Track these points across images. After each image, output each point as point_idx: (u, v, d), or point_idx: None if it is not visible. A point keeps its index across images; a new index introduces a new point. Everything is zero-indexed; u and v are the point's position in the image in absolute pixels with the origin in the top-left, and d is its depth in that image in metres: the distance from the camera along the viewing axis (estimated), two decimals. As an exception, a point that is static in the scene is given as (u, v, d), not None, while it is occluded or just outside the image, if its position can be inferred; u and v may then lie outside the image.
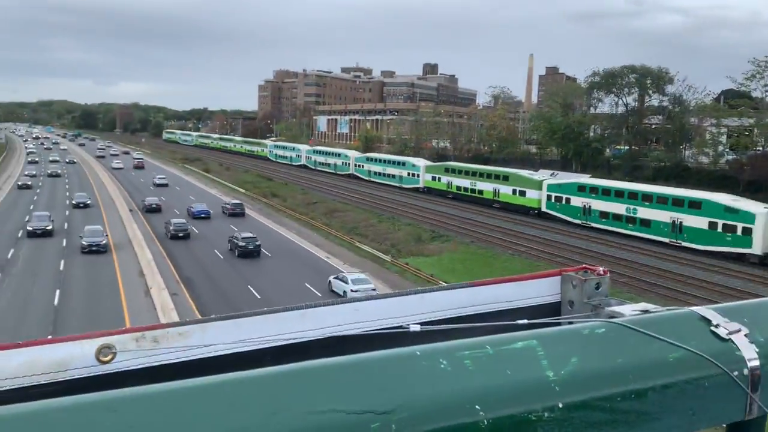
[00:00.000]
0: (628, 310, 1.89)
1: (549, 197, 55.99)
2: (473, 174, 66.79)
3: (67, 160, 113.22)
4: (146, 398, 0.86)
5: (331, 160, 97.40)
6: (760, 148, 67.66)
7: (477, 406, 0.97)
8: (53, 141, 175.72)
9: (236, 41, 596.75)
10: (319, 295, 33.98)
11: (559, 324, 1.61)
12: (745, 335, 1.27)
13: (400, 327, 1.86)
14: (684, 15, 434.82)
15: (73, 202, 61.36)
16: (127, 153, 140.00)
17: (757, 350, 1.25)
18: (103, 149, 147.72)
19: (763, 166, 61.03)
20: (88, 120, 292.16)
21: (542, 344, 1.14)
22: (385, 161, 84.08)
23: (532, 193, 58.07)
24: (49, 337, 1.70)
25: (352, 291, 32.07)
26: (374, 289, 32.48)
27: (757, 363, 1.23)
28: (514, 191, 60.22)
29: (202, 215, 56.76)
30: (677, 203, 44.63)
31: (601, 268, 2.21)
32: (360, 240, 49.87)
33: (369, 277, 35.21)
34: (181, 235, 47.31)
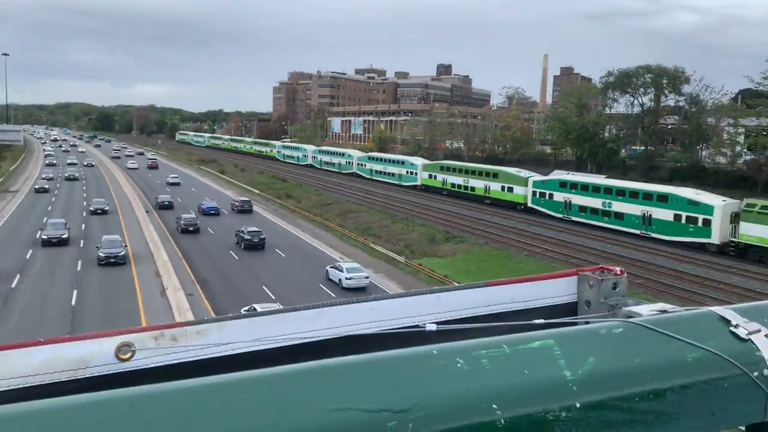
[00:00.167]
0: (646, 310, 1.87)
1: (534, 193, 59.37)
2: (466, 172, 70.11)
3: (85, 163, 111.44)
4: (165, 395, 0.87)
5: (335, 160, 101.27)
6: (779, 148, 66.85)
7: (494, 405, 0.97)
8: (71, 143, 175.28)
9: (251, 43, 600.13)
10: (333, 295, 34.37)
11: (575, 324, 1.60)
12: (765, 335, 1.25)
13: (416, 326, 1.86)
14: (701, 14, 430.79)
15: (91, 208, 58.99)
16: (141, 154, 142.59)
17: None
18: (119, 150, 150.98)
19: (782, 166, 60.30)
20: (105, 122, 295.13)
21: (559, 344, 1.13)
22: (385, 160, 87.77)
23: (519, 190, 61.50)
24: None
25: (346, 278, 35.23)
26: (367, 277, 35.98)
27: None
28: (502, 188, 63.78)
29: (212, 212, 59.60)
30: (647, 197, 47.88)
31: (617, 268, 2.19)
32: (374, 241, 49.91)
33: (362, 266, 37.91)
34: (191, 229, 50.62)
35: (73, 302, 32.28)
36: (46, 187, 75.78)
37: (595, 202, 52.22)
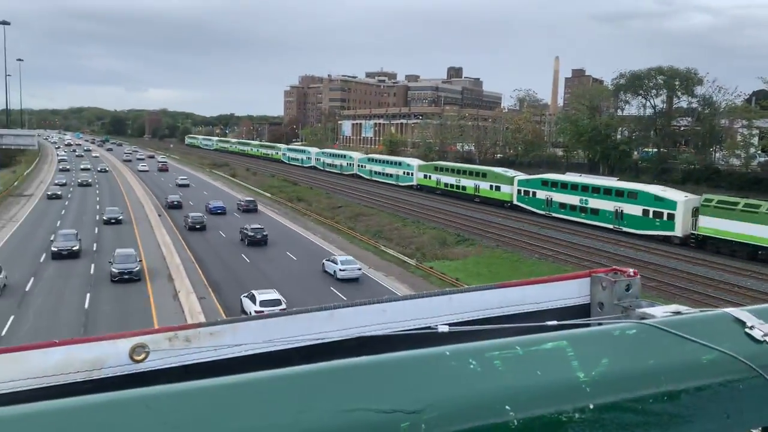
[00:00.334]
0: (660, 311, 1.86)
1: (519, 191, 63.01)
2: (458, 172, 73.92)
3: (99, 169, 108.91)
4: (179, 395, 0.88)
5: (337, 162, 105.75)
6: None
7: (507, 407, 0.97)
8: (85, 148, 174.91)
9: (263, 48, 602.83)
10: (344, 298, 34.58)
11: (588, 325, 1.59)
12: None
13: (428, 328, 1.86)
14: (714, 14, 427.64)
15: (104, 217, 55.72)
16: (152, 157, 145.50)
17: None
18: (130, 153, 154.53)
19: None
20: (117, 126, 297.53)
21: (572, 345, 1.13)
22: (383, 161, 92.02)
23: (505, 188, 65.12)
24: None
25: (340, 270, 38.02)
26: (359, 269, 38.76)
27: None
28: (491, 186, 67.41)
29: (218, 211, 62.70)
30: (619, 194, 51.42)
31: (631, 270, 2.18)
32: (385, 244, 49.90)
33: (355, 259, 40.77)
34: (197, 227, 54.02)
35: (87, 305, 32.47)
36: (59, 193, 74.11)
37: (574, 199, 55.68)
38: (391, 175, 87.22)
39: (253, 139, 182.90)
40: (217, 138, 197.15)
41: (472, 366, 1.03)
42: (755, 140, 70.44)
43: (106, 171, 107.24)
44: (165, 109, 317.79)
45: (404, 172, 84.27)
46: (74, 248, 41.91)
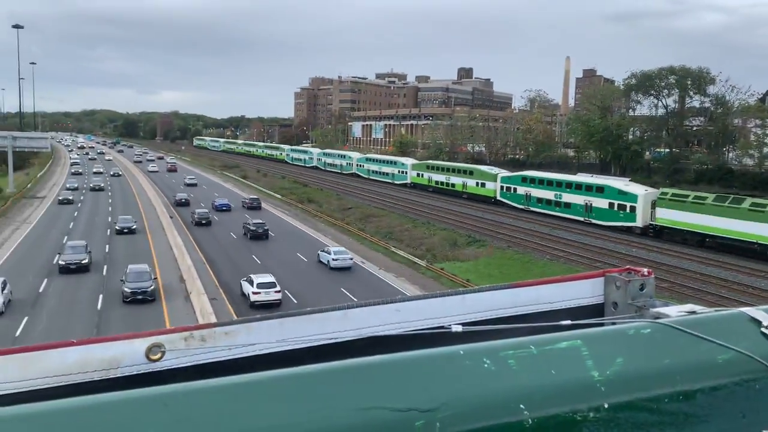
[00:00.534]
0: (675, 311, 1.85)
1: (502, 188, 66.68)
2: (447, 170, 78.05)
3: (112, 173, 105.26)
4: (195, 393, 0.88)
5: (337, 161, 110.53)
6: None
7: (521, 405, 0.97)
8: (98, 151, 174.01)
9: (273, 50, 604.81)
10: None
11: (602, 325, 1.59)
12: None
13: (442, 327, 1.86)
14: (727, 13, 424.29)
15: (116, 227, 51.94)
16: (161, 158, 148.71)
17: None
18: (140, 155, 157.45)
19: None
20: (129, 128, 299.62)
21: (587, 344, 1.12)
22: (380, 161, 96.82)
23: (490, 185, 68.76)
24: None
25: (333, 260, 41.12)
26: (351, 259, 41.80)
27: None
28: (477, 183, 71.20)
29: (224, 208, 66.18)
30: (588, 189, 55.42)
31: (645, 270, 2.17)
32: (395, 245, 49.91)
33: (348, 250, 43.83)
34: (203, 222, 57.19)
35: (99, 306, 32.66)
36: (70, 198, 72.09)
37: (549, 194, 59.55)
38: (387, 174, 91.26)
39: (263, 141, 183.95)
40: (224, 140, 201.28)
41: (486, 365, 1.02)
42: (769, 140, 69.87)
43: (119, 175, 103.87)
44: (176, 111, 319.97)
45: (399, 171, 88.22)
46: (83, 262, 38.66)
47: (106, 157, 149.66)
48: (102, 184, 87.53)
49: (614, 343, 1.16)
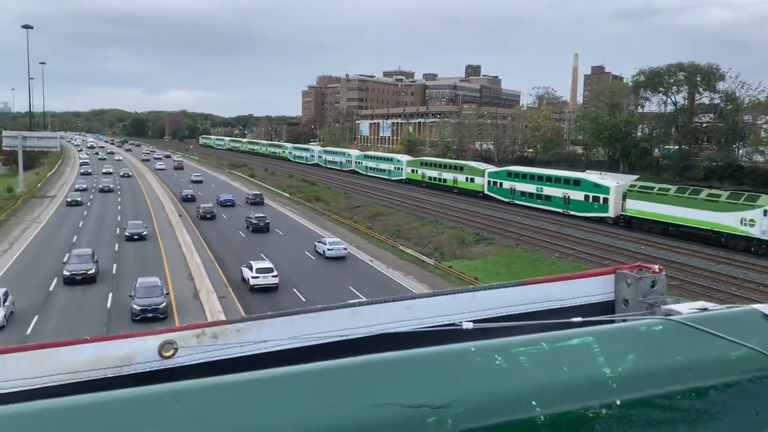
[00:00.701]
0: (686, 308, 1.84)
1: (489, 182, 69.93)
2: (439, 166, 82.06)
3: (121, 174, 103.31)
4: (208, 389, 0.89)
5: (336, 159, 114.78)
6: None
7: (533, 402, 0.97)
8: (108, 151, 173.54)
9: (281, 48, 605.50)
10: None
11: (613, 322, 1.58)
12: None
13: (452, 325, 1.86)
14: (736, 10, 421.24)
15: (126, 233, 49.15)
16: (168, 156, 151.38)
17: None
18: (148, 153, 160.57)
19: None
20: (138, 128, 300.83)
21: (598, 341, 1.12)
22: (377, 158, 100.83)
23: (478, 180, 72.09)
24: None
25: (328, 249, 43.63)
26: (345, 248, 44.25)
27: None
28: (467, 179, 74.48)
29: (228, 203, 69.06)
30: (566, 182, 58.49)
31: (656, 266, 2.16)
32: (404, 243, 49.89)
33: (342, 240, 46.69)
34: (208, 216, 60.27)
35: (109, 305, 32.82)
36: (79, 199, 69.94)
37: (532, 188, 62.65)
38: (384, 171, 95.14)
39: (271, 140, 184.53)
40: (229, 138, 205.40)
41: (497, 362, 1.02)
42: (779, 136, 69.35)
43: (129, 176, 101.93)
44: (185, 111, 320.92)
45: (395, 167, 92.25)
46: (89, 272, 36.02)
47: (116, 157, 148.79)
48: (111, 185, 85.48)
49: (626, 340, 1.16)
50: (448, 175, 78.65)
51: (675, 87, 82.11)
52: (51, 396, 0.87)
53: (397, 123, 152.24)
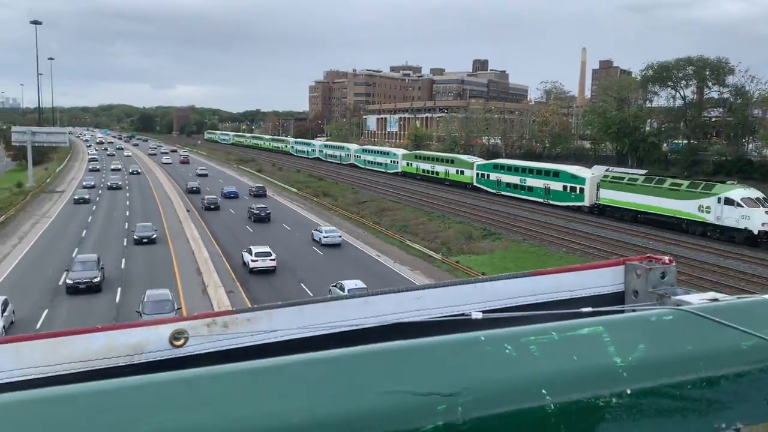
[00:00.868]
0: (696, 299, 1.83)
1: (478, 174, 73.27)
2: (432, 159, 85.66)
3: (131, 171, 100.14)
4: (220, 376, 0.89)
5: (336, 153, 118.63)
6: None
7: (543, 391, 0.97)
8: (117, 146, 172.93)
9: (288, 43, 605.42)
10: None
11: (623, 312, 1.58)
12: None
13: (462, 315, 1.86)
14: (748, 2, 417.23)
15: (135, 236, 46.14)
16: (174, 151, 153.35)
17: None
18: (155, 148, 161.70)
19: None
20: (146, 123, 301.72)
21: (608, 331, 1.12)
22: (374, 152, 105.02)
23: (468, 172, 75.40)
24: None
25: (324, 237, 46.60)
26: (340, 236, 47.44)
27: None
28: (457, 171, 77.96)
29: (231, 195, 72.17)
30: (547, 173, 62.14)
31: (666, 257, 2.16)
32: (410, 238, 49.88)
33: (337, 229, 50.00)
34: (212, 207, 63.30)
35: (117, 299, 32.99)
36: (87, 197, 67.81)
37: (516, 179, 66.11)
38: (381, 164, 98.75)
39: (278, 135, 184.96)
40: (233, 133, 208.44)
41: (507, 351, 1.03)
42: (790, 131, 68.78)
43: (138, 173, 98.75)
44: (192, 106, 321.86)
45: (391, 161, 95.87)
46: (95, 280, 33.40)
47: (125, 153, 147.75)
48: (120, 183, 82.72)
49: (636, 330, 1.16)
50: (440, 168, 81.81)
51: (684, 81, 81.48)
52: (64, 384, 0.88)
53: (405, 118, 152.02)
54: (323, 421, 0.83)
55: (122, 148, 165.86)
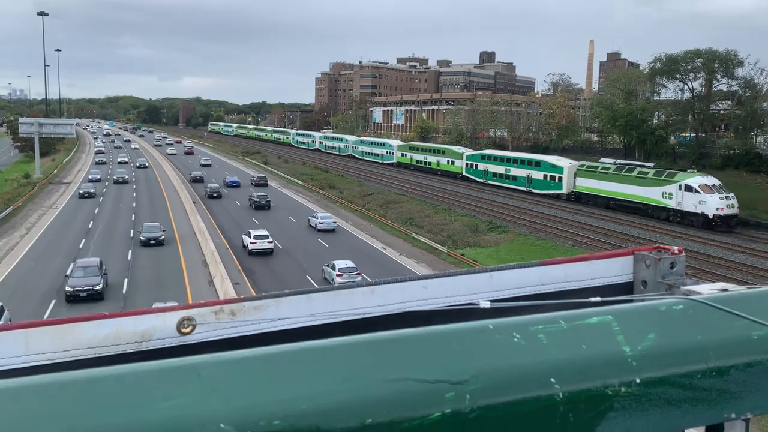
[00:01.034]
0: (706, 289, 1.82)
1: (467, 164, 76.57)
2: (425, 150, 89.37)
3: (138, 164, 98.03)
4: (228, 363, 0.90)
5: (335, 144, 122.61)
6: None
7: (552, 379, 0.97)
8: (124, 138, 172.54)
9: (295, 35, 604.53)
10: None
11: (632, 302, 1.57)
12: None
13: (470, 304, 1.85)
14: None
15: (141, 237, 43.10)
16: (179, 142, 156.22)
17: None
18: (160, 140, 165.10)
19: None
20: (152, 115, 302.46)
21: (618, 320, 1.12)
22: (371, 143, 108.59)
23: (458, 162, 78.59)
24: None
25: (320, 223, 49.58)
26: (334, 222, 50.28)
27: None
28: (448, 161, 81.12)
29: (234, 184, 75.54)
30: (529, 163, 65.74)
31: (675, 248, 2.14)
32: (416, 231, 49.91)
33: (331, 215, 53.20)
34: (215, 195, 66.82)
35: (124, 290, 33.17)
36: (92, 191, 66.34)
37: (501, 169, 69.54)
38: (377, 155, 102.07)
39: (284, 127, 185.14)
40: (236, 125, 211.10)
41: (516, 339, 1.03)
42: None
43: (145, 167, 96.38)
44: (199, 98, 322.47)
45: (386, 152, 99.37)
46: (96, 287, 31.04)
47: (133, 146, 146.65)
48: (126, 176, 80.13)
49: (646, 319, 1.15)
50: (432, 159, 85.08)
51: (692, 74, 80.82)
52: (71, 370, 0.88)
53: (411, 110, 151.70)
54: (331, 408, 0.84)
55: (129, 141, 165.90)
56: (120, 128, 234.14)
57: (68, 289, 30.77)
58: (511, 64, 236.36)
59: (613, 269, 2.17)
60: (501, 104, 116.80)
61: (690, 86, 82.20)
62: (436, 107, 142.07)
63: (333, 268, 35.23)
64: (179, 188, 71.74)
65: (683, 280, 2.06)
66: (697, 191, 47.07)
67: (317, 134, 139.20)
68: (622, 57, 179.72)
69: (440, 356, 0.97)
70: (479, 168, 73.80)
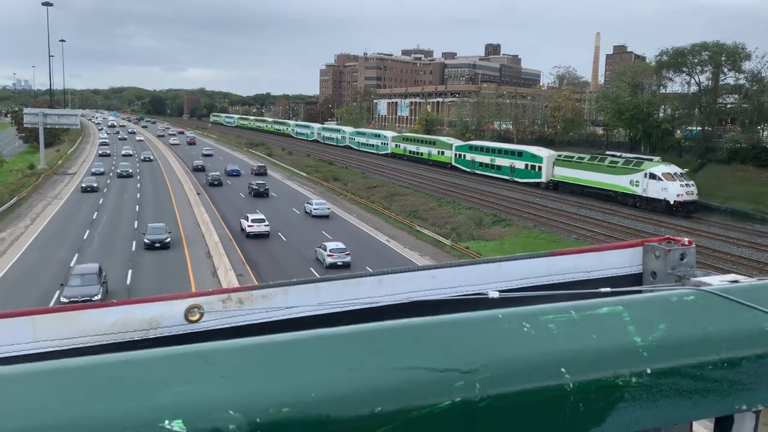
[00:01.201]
0: (716, 280, 1.80)
1: (456, 155, 79.76)
2: (417, 141, 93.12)
3: (142, 157, 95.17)
4: (236, 350, 0.90)
5: (333, 135, 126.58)
6: None
7: (562, 369, 0.97)
8: (129, 130, 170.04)
9: (300, 26, 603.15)
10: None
11: (642, 293, 1.55)
12: None
13: (478, 294, 1.84)
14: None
15: (145, 239, 39.81)
16: (182, 133, 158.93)
17: None
18: (163, 130, 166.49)
19: None
20: (156, 106, 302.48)
21: (628, 310, 1.11)
22: (366, 134, 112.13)
23: (447, 153, 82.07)
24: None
25: (314, 209, 51.87)
26: (328, 208, 52.55)
27: None
28: (438, 152, 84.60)
29: (234, 173, 78.25)
30: (512, 154, 69.57)
31: (685, 239, 2.12)
32: (420, 224, 49.88)
33: (326, 201, 55.63)
34: (216, 183, 69.81)
35: (128, 282, 33.26)
36: (95, 185, 64.01)
37: (487, 159, 72.75)
38: (372, 146, 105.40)
39: (289, 118, 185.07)
40: (237, 116, 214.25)
41: (525, 329, 1.03)
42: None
43: (150, 160, 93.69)
44: (203, 89, 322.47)
45: (381, 143, 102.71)
46: (94, 298, 27.28)
47: (137, 137, 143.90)
48: (130, 170, 77.02)
49: (656, 310, 1.15)
50: (424, 149, 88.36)
51: (699, 67, 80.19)
52: (79, 357, 0.89)
53: (416, 102, 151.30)
54: (340, 396, 0.84)
55: (134, 132, 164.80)
56: (124, 119, 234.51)
57: (63, 299, 27.73)
58: (517, 56, 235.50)
59: (623, 260, 2.15)
60: (506, 97, 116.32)
61: (697, 80, 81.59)
62: (441, 99, 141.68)
63: (324, 249, 37.79)
64: (183, 179, 72.99)
65: (693, 272, 2.05)
66: (660, 179, 49.89)
67: (316, 125, 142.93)
68: (629, 50, 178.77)
69: (450, 345, 0.97)
70: (467, 158, 76.75)
